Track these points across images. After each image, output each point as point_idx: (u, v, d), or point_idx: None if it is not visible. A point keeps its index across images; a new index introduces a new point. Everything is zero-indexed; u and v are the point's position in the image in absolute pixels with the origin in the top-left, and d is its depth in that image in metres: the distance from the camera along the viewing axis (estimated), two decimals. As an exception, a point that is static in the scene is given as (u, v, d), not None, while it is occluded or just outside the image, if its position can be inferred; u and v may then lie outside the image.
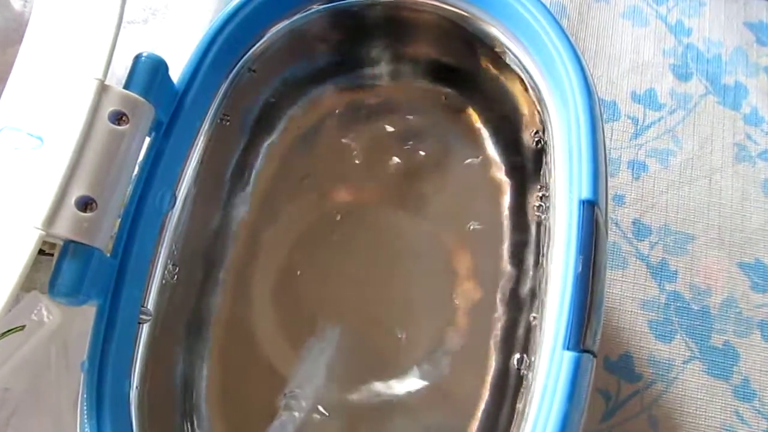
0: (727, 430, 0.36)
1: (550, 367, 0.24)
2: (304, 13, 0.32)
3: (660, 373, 0.37)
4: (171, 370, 0.30)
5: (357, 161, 0.36)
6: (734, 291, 0.39)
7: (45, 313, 0.33)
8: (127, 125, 0.25)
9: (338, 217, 0.35)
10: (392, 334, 0.32)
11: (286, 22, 0.32)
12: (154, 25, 0.42)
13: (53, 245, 0.25)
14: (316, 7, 0.32)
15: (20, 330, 0.32)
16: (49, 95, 0.26)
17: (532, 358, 0.28)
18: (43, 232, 0.23)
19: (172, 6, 0.42)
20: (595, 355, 0.25)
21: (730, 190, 0.41)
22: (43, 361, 0.33)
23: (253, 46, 0.32)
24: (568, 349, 0.24)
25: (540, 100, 0.30)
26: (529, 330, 0.29)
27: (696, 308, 0.39)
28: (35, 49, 0.27)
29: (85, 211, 0.24)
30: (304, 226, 0.34)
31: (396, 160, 0.35)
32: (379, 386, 0.32)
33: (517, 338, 0.30)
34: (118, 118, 0.25)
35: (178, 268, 0.30)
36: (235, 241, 0.34)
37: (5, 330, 0.32)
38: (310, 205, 0.35)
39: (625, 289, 0.39)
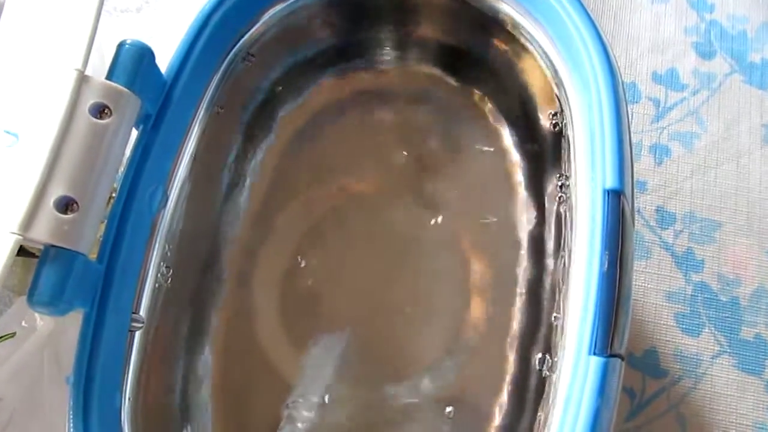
0: (759, 428, 0.35)
1: (575, 373, 0.23)
2: (301, -5, 0.30)
3: (687, 368, 0.36)
4: (169, 379, 0.29)
5: (363, 152, 0.34)
6: (765, 280, 0.38)
7: (37, 318, 0.32)
8: (110, 118, 0.24)
9: (344, 213, 0.33)
10: (403, 334, 0.31)
11: (282, 5, 0.31)
12: (147, 13, 0.40)
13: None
14: (312, -11, 0.31)
15: (10, 337, 0.31)
16: (26, 89, 0.24)
17: (555, 359, 0.26)
18: (20, 237, 0.22)
19: (167, -7, 0.41)
20: (623, 359, 0.23)
21: (759, 173, 0.40)
22: (37, 370, 0.32)
23: (248, 31, 0.30)
24: (594, 354, 0.22)
25: (557, 80, 0.28)
26: (550, 330, 0.28)
27: (724, 299, 0.38)
28: (10, 40, 0.25)
29: (65, 213, 0.23)
30: (308, 223, 0.33)
31: (404, 150, 0.34)
32: (388, 392, 0.30)
33: (538, 338, 0.29)
34: (99, 111, 0.24)
35: (172, 271, 0.28)
36: (234, 241, 0.32)
37: (-6, 338, 0.31)
38: (314, 200, 0.33)
39: (649, 281, 0.38)
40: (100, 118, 0.24)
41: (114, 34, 0.27)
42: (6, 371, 0.31)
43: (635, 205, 0.38)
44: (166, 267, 0.28)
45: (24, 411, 0.32)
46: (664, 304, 0.37)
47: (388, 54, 0.34)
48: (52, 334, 0.32)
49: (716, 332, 0.37)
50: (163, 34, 0.39)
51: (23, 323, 0.32)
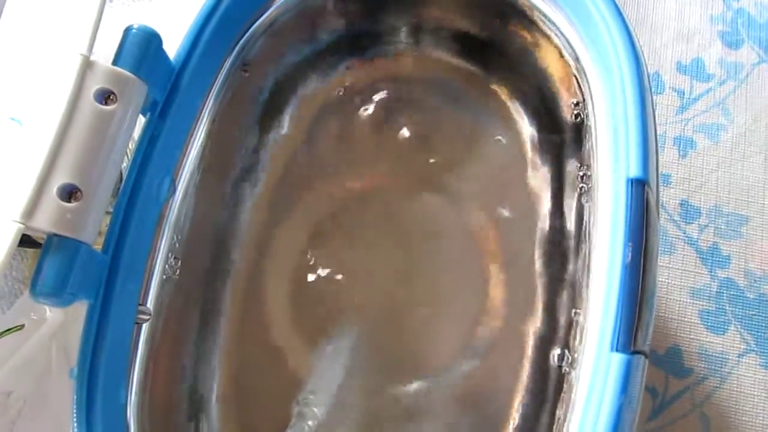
0: (787, 429, 0.35)
1: (596, 370, 0.22)
2: (314, -20, 0.30)
3: (712, 367, 0.36)
4: (177, 372, 0.28)
5: (377, 143, 0.33)
6: (794, 277, 0.37)
7: (46, 310, 0.32)
8: (116, 105, 0.23)
9: (358, 205, 0.33)
10: (418, 331, 0.30)
11: (293, -10, 0.30)
12: (160, 2, 0.40)
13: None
14: (327, -27, 0.30)
15: (19, 329, 0.31)
16: (30, 75, 0.23)
17: (575, 355, 0.25)
18: (22, 225, 0.21)
19: (180, -18, 0.40)
20: (647, 356, 0.22)
21: (788, 166, 0.39)
22: (45, 362, 0.31)
23: (259, 18, 0.30)
24: (616, 350, 0.21)
25: (578, 67, 0.27)
26: (570, 325, 0.27)
27: (751, 296, 0.37)
28: (15, 25, 0.24)
29: (68, 201, 0.22)
30: (320, 216, 0.32)
31: (420, 141, 0.33)
32: (401, 390, 0.30)
33: (557, 333, 0.28)
34: (105, 97, 0.23)
35: (180, 262, 0.28)
36: (245, 232, 0.31)
37: (3, 330, 0.30)
38: (328, 192, 0.33)
39: (673, 277, 0.37)
40: (105, 104, 0.23)
41: (126, 23, 0.26)
42: (14, 364, 0.31)
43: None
44: (174, 258, 0.27)
45: (33, 404, 0.32)
46: (689, 300, 0.37)
47: (403, 42, 0.33)
48: (61, 327, 0.31)
49: (743, 330, 0.36)
50: (176, 23, 0.39)
51: (32, 315, 0.31)
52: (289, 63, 0.32)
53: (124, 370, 0.25)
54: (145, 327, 0.26)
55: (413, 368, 0.30)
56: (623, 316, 0.21)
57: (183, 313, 0.28)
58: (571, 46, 0.28)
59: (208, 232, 0.30)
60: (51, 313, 0.31)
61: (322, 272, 0.31)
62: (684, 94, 0.41)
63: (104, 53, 0.24)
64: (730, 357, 0.35)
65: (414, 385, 0.29)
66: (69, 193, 0.22)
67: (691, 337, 0.36)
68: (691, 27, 0.42)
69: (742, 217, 0.38)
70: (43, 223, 0.21)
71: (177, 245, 0.28)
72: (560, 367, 0.27)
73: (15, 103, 0.23)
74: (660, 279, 0.37)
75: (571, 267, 0.28)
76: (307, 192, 0.33)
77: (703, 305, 0.36)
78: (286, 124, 0.33)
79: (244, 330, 0.30)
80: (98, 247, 0.24)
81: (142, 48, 0.24)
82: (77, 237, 0.22)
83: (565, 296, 0.28)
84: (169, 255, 0.27)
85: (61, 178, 0.22)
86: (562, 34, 0.28)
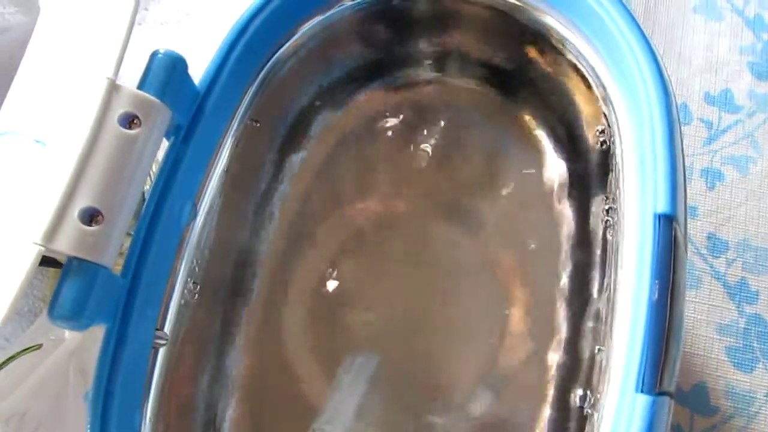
0: (817, 474, 0.34)
1: (619, 412, 0.21)
2: (339, 8, 0.30)
3: (739, 406, 0.35)
4: (193, 398, 0.28)
5: (399, 171, 0.33)
6: (825, 315, 0.36)
7: (65, 331, 0.31)
8: (139, 129, 0.23)
9: (379, 231, 0.32)
10: (436, 360, 0.30)
11: (319, 18, 0.30)
12: (187, 26, 0.40)
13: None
14: (350, 2, 0.30)
15: (37, 349, 0.31)
16: (56, 97, 0.23)
17: (597, 396, 0.24)
18: (43, 248, 0.21)
19: (206, 7, 0.40)
20: (673, 397, 0.21)
21: (818, 201, 0.39)
22: (62, 383, 0.31)
23: (284, 44, 0.30)
24: (642, 392, 0.21)
25: (605, 98, 0.27)
26: (593, 364, 0.26)
27: None
28: (42, 48, 0.25)
29: (90, 225, 0.22)
30: (341, 243, 0.32)
31: (442, 167, 0.33)
32: (418, 423, 0.29)
33: (580, 372, 0.27)
34: (129, 121, 0.23)
35: (199, 287, 0.28)
36: (265, 258, 0.31)
37: (21, 349, 0.30)
38: (349, 217, 0.33)
39: (699, 312, 0.36)
40: (129, 128, 0.23)
41: (153, 46, 0.26)
42: (31, 384, 0.31)
43: None
44: (193, 283, 0.27)
45: (49, 425, 0.32)
46: (715, 336, 0.36)
47: (427, 68, 0.33)
48: (79, 348, 0.31)
49: None
50: (202, 46, 0.39)
51: (51, 336, 0.31)
52: (313, 88, 0.32)
53: (139, 395, 0.24)
54: (162, 352, 0.26)
55: (431, 400, 0.29)
56: (649, 355, 0.21)
57: (200, 339, 0.28)
58: (598, 76, 0.28)
59: (227, 257, 0.30)
60: (69, 334, 0.31)
61: (342, 300, 0.31)
62: (712, 126, 0.40)
63: (130, 76, 0.25)
64: (758, 396, 0.35)
65: (431, 418, 0.29)
66: (90, 216, 0.22)
67: (718, 374, 0.35)
68: (720, 57, 0.42)
69: (771, 252, 0.37)
70: (64, 246, 0.21)
71: (196, 270, 0.27)
72: (582, 408, 0.26)
73: (40, 125, 0.23)
74: (686, 314, 0.36)
75: (595, 303, 0.28)
76: (327, 219, 0.32)
77: (730, 342, 0.36)
78: (308, 150, 0.33)
79: (261, 357, 0.30)
80: (118, 267, 0.24)
81: (167, 73, 0.24)
82: (97, 261, 0.22)
83: (588, 333, 0.27)
84: (188, 279, 0.27)
85: (83, 202, 0.22)
86: (588, 63, 0.28)
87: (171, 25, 0.41)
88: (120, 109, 0.23)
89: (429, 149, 0.33)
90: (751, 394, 0.35)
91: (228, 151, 0.28)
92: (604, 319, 0.26)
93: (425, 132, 0.33)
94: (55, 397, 0.32)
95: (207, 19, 0.41)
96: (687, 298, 0.36)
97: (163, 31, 0.40)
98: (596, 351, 0.26)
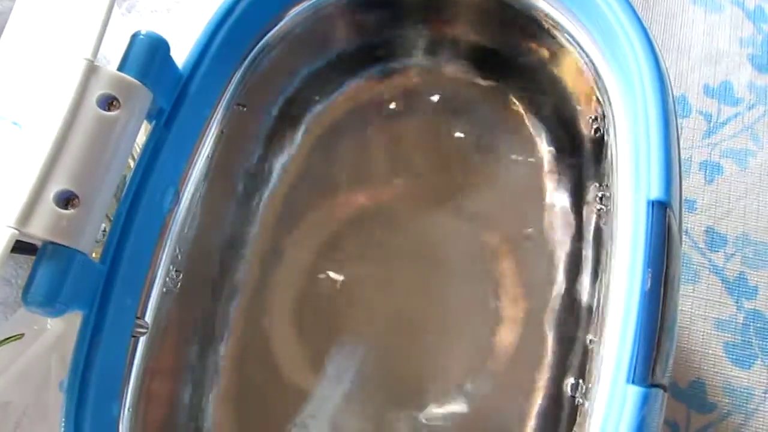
0: (816, 472, 0.33)
1: (611, 403, 0.21)
2: (329, -8, 0.29)
3: (737, 403, 0.34)
4: (174, 389, 0.27)
5: (390, 158, 0.33)
6: (825, 311, 0.36)
7: (47, 321, 0.31)
8: (119, 111, 0.22)
9: (369, 222, 0.32)
10: (426, 354, 0.30)
11: (308, 2, 0.29)
12: (177, 13, 0.40)
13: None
14: (341, -14, 0.29)
15: (18, 339, 0.30)
16: (34, 80, 0.23)
17: (589, 386, 0.24)
18: (16, 231, 0.20)
19: (198, -6, 0.40)
20: (665, 389, 0.21)
21: (820, 195, 0.38)
22: (44, 373, 0.31)
23: (272, 29, 0.29)
24: (633, 383, 0.20)
25: (600, 84, 0.26)
26: (585, 353, 0.25)
27: None
28: (21, 30, 0.24)
29: (65, 208, 0.21)
30: (329, 231, 0.32)
31: (433, 156, 0.33)
32: (407, 417, 0.29)
33: (572, 361, 0.27)
34: (108, 102, 0.23)
35: (182, 275, 0.27)
36: (251, 247, 0.31)
37: (3, 339, 0.30)
38: (337, 208, 0.32)
39: (697, 307, 0.36)
40: (108, 110, 0.22)
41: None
42: (13, 374, 0.30)
43: (683, 224, 0.37)
44: (175, 271, 0.27)
45: (31, 414, 0.32)
46: (713, 332, 0.35)
47: (418, 56, 0.33)
48: (61, 337, 0.31)
49: None
50: (193, 34, 0.39)
51: (34, 326, 0.31)
52: (301, 75, 0.32)
53: (117, 384, 0.24)
54: (142, 340, 0.25)
55: (419, 393, 0.29)
56: (641, 346, 0.20)
57: (183, 328, 0.28)
58: (593, 62, 0.27)
59: (212, 245, 0.29)
60: (51, 324, 0.30)
61: (328, 291, 0.31)
62: (711, 118, 0.40)
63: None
64: (756, 393, 0.34)
65: (419, 412, 0.28)
66: (66, 199, 0.21)
67: (715, 370, 0.35)
68: (720, 49, 0.41)
69: (770, 247, 0.37)
70: (38, 230, 0.21)
71: (179, 257, 0.27)
72: (574, 397, 0.26)
73: (18, 107, 0.22)
74: (683, 309, 0.36)
75: (588, 292, 0.27)
76: (315, 208, 0.32)
77: (728, 337, 0.35)
78: (297, 138, 0.32)
79: (245, 347, 0.30)
80: (98, 255, 0.23)
81: (148, 55, 0.24)
82: (73, 245, 0.21)
83: (581, 323, 0.27)
84: (171, 267, 0.27)
85: (58, 185, 0.21)
86: (583, 49, 0.27)
87: (161, 13, 0.40)
88: (99, 90, 0.22)
89: (420, 137, 0.33)
90: (749, 391, 0.34)
91: (213, 137, 0.28)
92: (597, 308, 0.25)
93: (416, 119, 0.33)
94: (38, 388, 0.31)
95: (197, 7, 0.40)
96: (684, 293, 0.36)
97: (154, 18, 0.40)
98: (589, 341, 0.26)
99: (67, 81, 0.22)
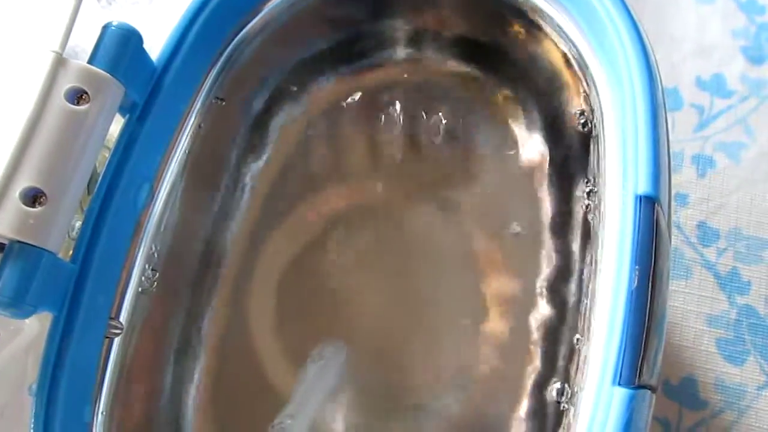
0: (809, 470, 0.33)
1: (596, 405, 0.20)
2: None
3: (730, 400, 0.34)
4: (151, 390, 0.27)
5: (373, 155, 0.32)
6: (819, 306, 0.36)
7: (24, 321, 0.30)
8: (88, 105, 0.22)
9: (353, 219, 0.31)
10: (409, 355, 0.29)
11: (286, -6, 0.28)
12: (159, 4, 0.39)
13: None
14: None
15: (-7, 340, 0.29)
16: (0, 73, 0.22)
17: (575, 390, 0.23)
18: (-20, 230, 0.20)
19: (180, -15, 0.39)
20: (654, 390, 0.21)
21: (813, 188, 0.38)
22: (21, 374, 0.30)
23: (249, 21, 0.28)
24: (619, 384, 0.20)
25: (586, 75, 0.26)
26: (572, 354, 0.25)
27: None
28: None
29: (32, 206, 0.21)
30: (311, 231, 0.31)
31: (419, 152, 0.32)
32: (389, 420, 0.28)
33: (557, 363, 0.26)
34: (77, 96, 0.22)
35: (158, 274, 0.26)
36: (231, 244, 0.30)
37: (-23, 340, 0.29)
38: (320, 205, 0.31)
39: (689, 302, 0.36)
40: (77, 104, 0.22)
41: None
42: (-13, 375, 0.29)
43: (675, 219, 0.37)
44: (152, 270, 0.26)
45: (8, 416, 0.31)
46: (705, 328, 0.35)
47: (401, 48, 0.32)
48: (38, 338, 0.30)
49: (762, 361, 0.34)
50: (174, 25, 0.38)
51: (10, 326, 0.30)
52: (281, 69, 0.31)
53: (90, 387, 0.23)
54: (117, 341, 0.25)
55: (402, 396, 0.28)
56: (627, 346, 0.20)
57: (160, 328, 0.27)
58: (577, 49, 0.26)
59: (190, 243, 0.29)
60: (28, 324, 0.30)
61: (312, 289, 0.30)
62: (703, 111, 0.39)
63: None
64: (749, 389, 0.34)
65: (401, 415, 0.28)
66: (33, 197, 0.21)
67: (707, 367, 0.34)
68: (712, 41, 0.41)
69: (763, 241, 0.36)
70: (4, 229, 0.20)
71: (156, 256, 0.26)
72: (559, 402, 0.25)
73: (-17, 101, 0.22)
74: (675, 304, 0.35)
75: (575, 290, 0.27)
76: (298, 205, 0.31)
77: (720, 333, 0.35)
78: (277, 133, 0.32)
79: (225, 348, 0.29)
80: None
81: (119, 47, 0.23)
82: (40, 244, 0.21)
83: (568, 321, 0.27)
84: (147, 266, 0.26)
85: (24, 181, 0.21)
86: (570, 40, 0.27)
87: (143, 5, 0.39)
88: (67, 84, 0.22)
89: (405, 131, 0.32)
90: (741, 388, 0.34)
91: (190, 131, 0.27)
92: (584, 307, 0.25)
93: (400, 114, 0.32)
94: (15, 389, 0.31)
95: (179, -1, 0.39)
96: (676, 289, 0.35)
97: (135, 10, 0.39)
98: (576, 340, 0.25)
99: (34, 74, 0.21)
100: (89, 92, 0.22)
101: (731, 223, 0.37)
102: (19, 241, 0.20)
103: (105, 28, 0.23)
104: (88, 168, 0.22)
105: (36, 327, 0.30)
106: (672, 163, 0.38)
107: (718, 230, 0.37)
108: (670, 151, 0.37)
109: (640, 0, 0.42)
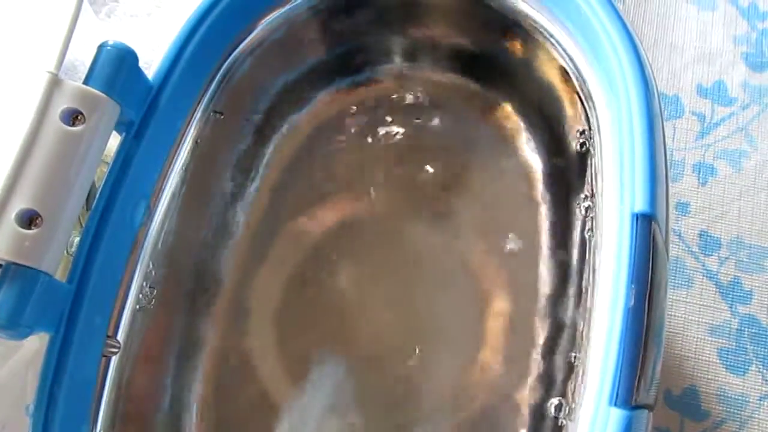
0: (812, 481, 0.33)
1: (593, 426, 0.20)
2: (300, 0, 0.28)
3: (731, 410, 0.34)
4: (150, 407, 0.27)
5: (371, 168, 0.32)
6: (822, 316, 0.35)
7: (25, 336, 0.30)
8: (83, 125, 0.22)
9: (351, 234, 0.31)
10: (408, 369, 0.29)
11: (281, 10, 0.29)
12: (158, 18, 0.39)
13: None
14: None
15: (-7, 356, 0.29)
16: (-3, 93, 0.22)
17: (573, 406, 0.23)
18: (-24, 253, 0.20)
19: (178, -2, 0.39)
20: (652, 409, 0.20)
21: (815, 197, 0.38)
22: (20, 390, 0.30)
23: (245, 38, 0.29)
24: (615, 405, 0.19)
25: (584, 90, 0.26)
26: (570, 371, 0.25)
27: None
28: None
29: (28, 228, 0.21)
30: (311, 245, 0.31)
31: (417, 166, 0.32)
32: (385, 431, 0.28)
33: (556, 379, 0.26)
34: (72, 117, 0.22)
35: (156, 291, 0.26)
36: (230, 259, 0.30)
37: (-23, 356, 0.29)
38: (319, 219, 0.31)
39: (690, 312, 0.35)
40: (73, 125, 0.22)
41: (123, 39, 0.25)
42: (-13, 390, 0.29)
43: (676, 228, 0.36)
44: (149, 287, 0.26)
45: (10, 431, 0.31)
46: (707, 338, 0.35)
47: (397, 61, 0.32)
48: (38, 353, 0.30)
49: (765, 371, 0.34)
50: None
51: (10, 342, 0.30)
52: (277, 84, 0.31)
53: (88, 406, 0.23)
54: (114, 360, 0.25)
55: (401, 411, 0.28)
56: (624, 367, 0.20)
57: (158, 346, 0.27)
58: (575, 64, 0.26)
59: (188, 260, 0.28)
60: (28, 340, 0.30)
61: (311, 305, 0.30)
62: (705, 119, 0.39)
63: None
64: (751, 400, 0.34)
65: (399, 427, 0.28)
66: (28, 219, 0.21)
67: (709, 377, 0.34)
68: (714, 48, 0.41)
69: (765, 250, 0.36)
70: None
71: (153, 273, 0.26)
72: (557, 418, 0.25)
73: (-22, 123, 0.22)
74: (676, 314, 0.35)
75: (573, 307, 0.26)
76: (296, 219, 0.31)
77: (722, 343, 0.35)
78: (275, 148, 0.32)
79: (224, 362, 0.29)
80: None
81: (115, 66, 0.23)
82: (36, 266, 0.21)
83: (565, 339, 0.26)
84: (144, 284, 0.26)
85: (20, 203, 0.21)
86: (564, 50, 0.26)
87: (141, 18, 0.39)
88: (62, 104, 0.22)
89: (402, 145, 0.32)
90: (743, 398, 0.34)
91: (188, 149, 0.27)
92: (581, 325, 0.25)
93: (397, 127, 0.32)
94: (14, 404, 0.31)
95: (178, 11, 0.39)
96: (678, 299, 0.35)
97: (133, 23, 0.39)
98: (573, 358, 0.25)
99: (29, 95, 0.21)
100: (84, 113, 0.22)
101: (733, 232, 0.37)
102: (15, 263, 0.21)
103: (100, 47, 0.23)
104: (84, 188, 0.22)
105: (36, 342, 0.30)
106: (673, 171, 0.38)
107: (719, 239, 0.37)
108: (670, 162, 0.37)
109: (641, 6, 0.42)
